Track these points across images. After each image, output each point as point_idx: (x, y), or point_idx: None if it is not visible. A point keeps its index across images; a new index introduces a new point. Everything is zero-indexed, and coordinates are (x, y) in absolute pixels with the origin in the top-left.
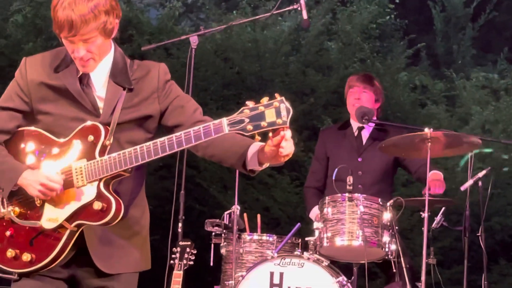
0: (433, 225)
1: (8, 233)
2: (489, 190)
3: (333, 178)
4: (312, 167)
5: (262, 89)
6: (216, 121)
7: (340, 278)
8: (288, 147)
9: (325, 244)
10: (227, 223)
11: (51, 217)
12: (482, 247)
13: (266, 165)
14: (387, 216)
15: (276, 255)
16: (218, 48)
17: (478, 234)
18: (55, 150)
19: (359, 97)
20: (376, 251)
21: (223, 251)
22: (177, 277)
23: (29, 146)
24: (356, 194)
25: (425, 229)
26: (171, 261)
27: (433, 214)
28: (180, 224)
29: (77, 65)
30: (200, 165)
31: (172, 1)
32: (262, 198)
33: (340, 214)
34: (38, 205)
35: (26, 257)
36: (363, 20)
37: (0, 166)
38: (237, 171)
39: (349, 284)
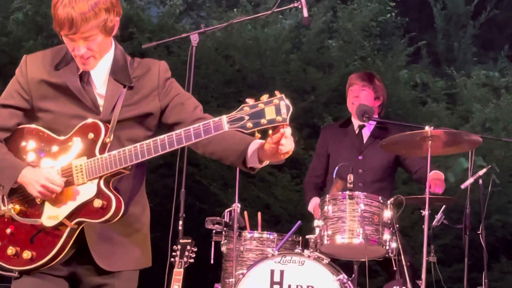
0: (433, 223)
1: (8, 230)
2: (489, 188)
3: (334, 176)
4: (313, 164)
5: (262, 86)
6: (216, 119)
7: (341, 276)
8: (288, 145)
9: (325, 242)
10: (227, 221)
11: (52, 214)
12: (483, 245)
13: (266, 162)
14: (387, 214)
15: (276, 253)
16: (219, 46)
17: (478, 232)
18: (55, 148)
19: (358, 95)
20: (377, 249)
21: (223, 249)
22: (178, 275)
23: (29, 144)
24: (356, 192)
25: (425, 227)
26: (172, 259)
27: (434, 212)
28: (180, 222)
29: (77, 63)
30: (200, 163)
31: None
32: (262, 196)
33: (340, 212)
34: (38, 202)
35: (27, 254)
36: (364, 18)
37: (0, 164)
38: (238, 169)
39: (349, 282)
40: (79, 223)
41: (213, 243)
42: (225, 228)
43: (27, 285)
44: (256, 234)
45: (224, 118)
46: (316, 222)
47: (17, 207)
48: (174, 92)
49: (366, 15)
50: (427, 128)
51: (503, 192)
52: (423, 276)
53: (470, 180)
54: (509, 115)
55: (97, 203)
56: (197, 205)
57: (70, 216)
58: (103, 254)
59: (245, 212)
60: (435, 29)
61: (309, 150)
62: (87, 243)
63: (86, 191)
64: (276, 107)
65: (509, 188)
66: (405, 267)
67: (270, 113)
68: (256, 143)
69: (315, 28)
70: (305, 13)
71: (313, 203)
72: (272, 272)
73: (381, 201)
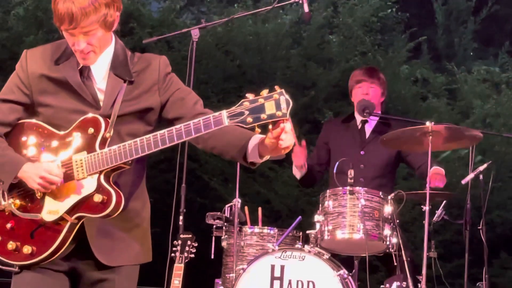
0: (434, 219)
1: (8, 225)
2: (490, 184)
3: (334, 171)
4: (312, 154)
5: (263, 82)
6: (216, 114)
7: (341, 271)
8: (287, 139)
9: (326, 237)
10: (228, 216)
11: (52, 209)
12: (483, 240)
13: (266, 157)
14: (388, 209)
15: (277, 248)
16: (219, 41)
17: (479, 228)
18: (55, 143)
19: (368, 92)
20: (377, 244)
21: (224, 244)
22: (178, 270)
23: (30, 139)
24: (357, 187)
25: (426, 222)
26: (172, 254)
27: (434, 207)
28: (181, 217)
29: (77, 57)
30: (201, 158)
31: None
32: (263, 191)
33: (341, 207)
34: (38, 197)
35: (27, 249)
36: (365, 13)
37: (0, 159)
38: (238, 164)
39: (350, 277)
40: (79, 218)
41: (213, 238)
42: (225, 223)
43: (28, 280)
44: (256, 229)
45: (224, 113)
46: (317, 218)
47: (17, 202)
48: (174, 87)
49: (366, 10)
50: (427, 123)
51: (504, 187)
52: (424, 271)
53: (471, 175)
54: (510, 111)
55: (97, 198)
56: (197, 200)
57: (70, 211)
58: (103, 249)
59: (246, 207)
60: (436, 25)
61: (310, 145)
62: (87, 238)
63: (86, 186)
64: (276, 102)
65: (509, 184)
66: (405, 262)
67: (270, 108)
68: (256, 138)
69: (315, 23)
70: (306, 8)
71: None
72: (273, 267)
73: (382, 196)
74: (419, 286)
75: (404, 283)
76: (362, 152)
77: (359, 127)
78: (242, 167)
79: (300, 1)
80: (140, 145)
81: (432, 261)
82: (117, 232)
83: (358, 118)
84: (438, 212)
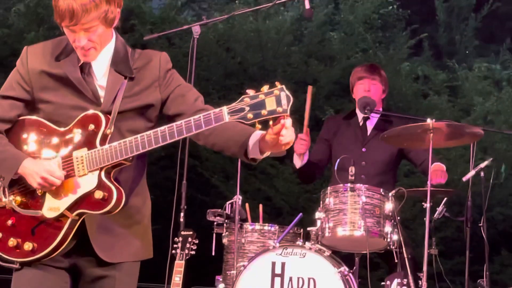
0: (435, 216)
1: (9, 222)
2: (491, 181)
3: (335, 168)
4: (312, 149)
5: (264, 79)
6: (217, 110)
7: (342, 268)
8: (288, 135)
9: (326, 234)
10: (229, 213)
11: (53, 206)
12: (484, 237)
13: (267, 153)
14: (389, 206)
15: (278, 245)
16: (220, 38)
17: (480, 225)
18: (56, 139)
19: (369, 89)
20: (378, 241)
21: (225, 241)
22: (179, 266)
23: (30, 135)
24: (358, 184)
25: (427, 219)
26: (173, 251)
27: (435, 204)
28: (182, 214)
29: (78, 54)
30: (202, 155)
31: None
32: (264, 188)
33: (342, 204)
34: (39, 194)
35: (28, 246)
36: (366, 10)
37: (0, 155)
38: (239, 161)
39: (350, 274)
40: (80, 215)
41: (214, 235)
42: (226, 220)
43: (28, 276)
44: (257, 226)
45: (225, 109)
46: (318, 215)
47: (18, 198)
48: (175, 84)
49: (367, 7)
50: (428, 120)
51: (505, 185)
52: (424, 268)
53: (472, 172)
54: (511, 108)
55: (98, 194)
56: (198, 197)
57: (71, 207)
58: (104, 246)
59: (247, 204)
60: (437, 22)
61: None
62: (88, 235)
63: (87, 182)
64: (277, 98)
65: (510, 181)
66: (406, 259)
67: (270, 104)
68: (257, 134)
69: (316, 20)
70: (307, 5)
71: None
72: (273, 264)
73: (383, 193)
74: (420, 283)
75: (405, 280)
76: (363, 149)
77: (361, 124)
78: (243, 164)
79: None
80: (140, 142)
81: (433, 258)
82: (117, 229)
83: (360, 115)
84: (439, 209)
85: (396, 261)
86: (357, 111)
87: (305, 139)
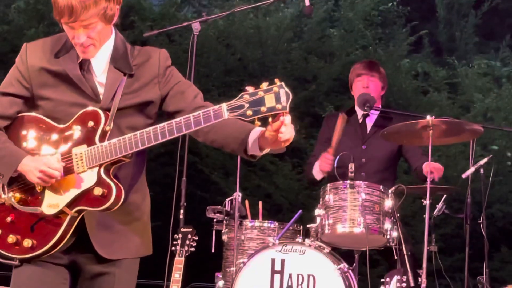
0: (434, 213)
1: (9, 219)
2: (490, 178)
3: (335, 165)
4: (316, 151)
5: (264, 75)
6: (216, 107)
7: (342, 265)
8: (287, 132)
9: (326, 231)
10: (228, 209)
11: (52, 203)
12: (484, 234)
13: (267, 150)
14: (388, 203)
15: (277, 242)
16: (220, 35)
17: (479, 222)
18: (55, 136)
19: (367, 85)
20: (378, 238)
21: (224, 237)
22: (179, 263)
23: (29, 132)
24: (357, 181)
25: (426, 216)
26: (173, 248)
27: (435, 201)
28: (181, 211)
29: (77, 51)
30: (201, 151)
31: None
32: (263, 185)
33: (341, 201)
34: (38, 191)
35: (27, 243)
36: (365, 7)
37: (0, 152)
38: (239, 158)
39: (350, 271)
40: (79, 211)
41: (214, 232)
42: (226, 217)
43: (28, 273)
44: (257, 223)
45: (224, 106)
46: (317, 211)
47: (17, 195)
48: (174, 80)
49: (367, 4)
50: (428, 117)
51: (504, 181)
52: (424, 265)
53: (471, 169)
54: (510, 105)
55: (97, 191)
56: (198, 194)
57: (71, 204)
58: (103, 243)
59: (246, 201)
60: (437, 19)
61: (310, 139)
62: (88, 231)
63: (86, 179)
64: (276, 95)
65: (510, 177)
66: (406, 256)
67: (269, 100)
68: (257, 131)
69: (316, 17)
70: (307, 1)
71: (316, 163)
72: (273, 261)
73: (382, 190)
74: (420, 280)
75: (405, 277)
76: (363, 146)
77: (360, 121)
78: (243, 161)
79: None
80: (140, 138)
81: (433, 255)
82: (117, 225)
83: (359, 112)
84: (439, 206)
85: (395, 258)
86: (356, 108)
87: (330, 159)
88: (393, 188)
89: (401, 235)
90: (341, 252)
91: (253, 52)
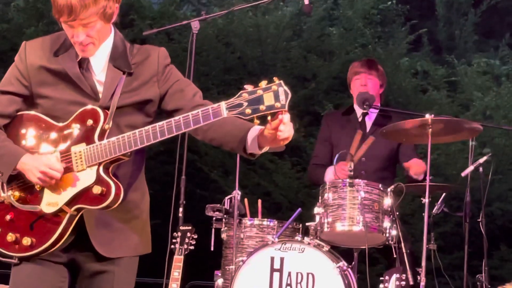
0: (433, 211)
1: (8, 217)
2: (489, 176)
3: (334, 163)
4: (317, 151)
5: (263, 74)
6: (215, 105)
7: (341, 263)
8: (286, 131)
9: (325, 229)
10: (228, 208)
11: (51, 201)
12: (483, 232)
13: (266, 148)
14: (387, 201)
15: (276, 240)
16: (219, 33)
17: (478, 220)
18: (54, 134)
19: (365, 83)
20: (377, 237)
21: (223, 236)
22: (178, 261)
23: (29, 131)
24: (357, 180)
25: (425, 214)
26: (172, 246)
27: (434, 199)
28: (181, 209)
29: (76, 49)
30: (201, 150)
31: None
32: (263, 183)
33: (340, 200)
34: (37, 189)
35: (26, 241)
36: (365, 6)
37: None
38: (238, 156)
39: (349, 269)
40: (78, 210)
41: (213, 230)
42: (225, 215)
43: (27, 271)
44: (256, 221)
45: (223, 104)
46: (316, 210)
47: (17, 193)
48: (173, 79)
49: (367, 2)
50: (427, 116)
51: (504, 180)
52: (423, 263)
53: (471, 168)
54: (510, 103)
55: (97, 189)
56: (197, 192)
57: (70, 202)
58: (102, 241)
59: (246, 199)
60: (436, 17)
61: (310, 137)
62: (87, 230)
63: (85, 177)
64: (275, 93)
65: (509, 176)
66: (405, 254)
67: (268, 99)
68: (256, 129)
69: (316, 15)
70: (306, 0)
71: (330, 171)
72: (272, 259)
73: (381, 188)
74: (419, 278)
75: (404, 275)
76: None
77: (360, 119)
78: (242, 159)
79: None
80: (139, 137)
81: (432, 253)
82: (116, 224)
83: (358, 110)
84: (438, 204)
85: (395, 256)
86: (356, 106)
87: (348, 170)
88: (392, 186)
89: (400, 234)
90: (340, 250)
91: (253, 50)
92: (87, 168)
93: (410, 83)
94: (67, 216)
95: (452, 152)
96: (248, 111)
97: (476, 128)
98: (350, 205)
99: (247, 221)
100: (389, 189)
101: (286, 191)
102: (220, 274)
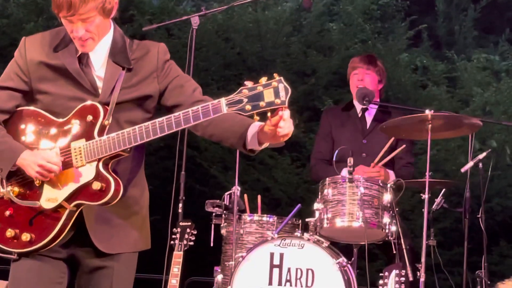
0: (433, 207)
1: (7, 213)
2: (489, 172)
3: (334, 159)
4: (320, 147)
5: (263, 69)
6: (215, 101)
7: (340, 259)
8: (286, 127)
9: (325, 225)
10: (227, 203)
11: (50, 197)
12: (482, 228)
13: (265, 144)
14: (387, 197)
15: (276, 236)
16: (219, 29)
17: (478, 216)
18: (54, 130)
19: (363, 79)
20: (376, 232)
21: (223, 231)
22: (177, 257)
23: (28, 126)
24: (356, 176)
25: (425, 210)
26: (171, 242)
27: (434, 195)
28: (180, 205)
29: (76, 44)
30: (200, 145)
31: None
32: (262, 179)
33: (340, 195)
34: (37, 185)
35: (26, 237)
36: (365, 1)
37: None
38: (238, 152)
39: (349, 265)
40: (78, 206)
41: (213, 226)
42: (225, 211)
43: (26, 267)
44: (255, 217)
45: (223, 100)
46: (316, 205)
47: (16, 189)
48: (173, 74)
49: None
50: (427, 111)
51: (503, 175)
52: (423, 259)
53: (470, 163)
54: (510, 99)
55: (96, 185)
56: (197, 188)
57: (69, 198)
58: (102, 237)
59: (245, 195)
60: (436, 12)
61: (309, 133)
62: (86, 226)
63: (85, 173)
64: (275, 90)
65: (509, 171)
66: (404, 250)
67: (268, 95)
68: (255, 125)
69: (315, 10)
70: None
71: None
72: (272, 255)
73: (381, 184)
74: (418, 274)
75: (403, 271)
76: (364, 141)
77: (360, 115)
78: (242, 155)
79: None
80: (138, 133)
81: (431, 249)
82: (115, 220)
83: (358, 106)
84: (438, 200)
85: (394, 252)
86: (355, 102)
87: (350, 164)
88: (392, 182)
89: (400, 229)
90: (339, 246)
91: (252, 46)
92: (86, 164)
93: (410, 78)
94: (67, 212)
95: (452, 148)
96: (248, 107)
97: (475, 123)
98: (349, 200)
99: (246, 216)
100: (388, 185)
101: (286, 187)
102: (219, 270)
